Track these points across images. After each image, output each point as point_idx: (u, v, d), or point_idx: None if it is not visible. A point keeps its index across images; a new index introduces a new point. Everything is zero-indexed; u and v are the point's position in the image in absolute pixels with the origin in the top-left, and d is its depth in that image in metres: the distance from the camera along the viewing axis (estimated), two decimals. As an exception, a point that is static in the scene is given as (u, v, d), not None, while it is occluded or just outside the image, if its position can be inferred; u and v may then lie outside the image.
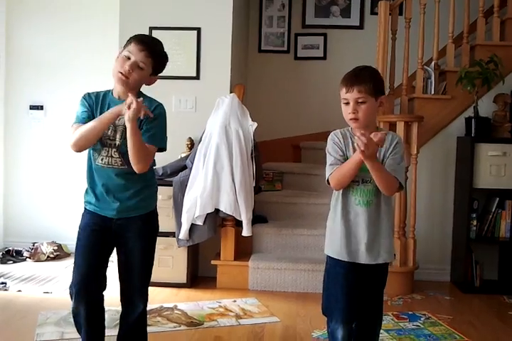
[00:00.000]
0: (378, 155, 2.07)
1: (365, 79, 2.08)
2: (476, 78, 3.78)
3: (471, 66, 3.88)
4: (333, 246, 2.17)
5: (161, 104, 2.26)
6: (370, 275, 2.16)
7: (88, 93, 2.25)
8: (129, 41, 2.18)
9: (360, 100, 2.05)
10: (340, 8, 5.21)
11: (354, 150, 2.10)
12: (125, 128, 2.13)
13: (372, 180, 2.08)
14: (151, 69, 2.19)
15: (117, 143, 2.18)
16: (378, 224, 2.13)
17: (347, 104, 2.08)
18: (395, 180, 2.07)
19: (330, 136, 2.19)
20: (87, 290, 2.23)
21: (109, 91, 2.25)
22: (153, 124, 2.19)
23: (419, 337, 2.94)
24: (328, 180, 2.13)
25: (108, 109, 2.18)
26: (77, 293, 2.23)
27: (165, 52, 2.26)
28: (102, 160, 2.20)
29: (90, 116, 2.19)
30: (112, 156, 2.19)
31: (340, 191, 2.15)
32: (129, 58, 2.14)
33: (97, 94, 2.24)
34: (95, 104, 2.21)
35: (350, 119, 2.08)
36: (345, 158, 2.12)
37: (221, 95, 3.89)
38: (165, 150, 2.26)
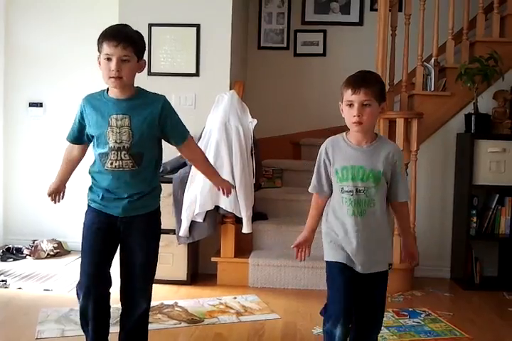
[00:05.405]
0: (380, 167, 2.09)
1: (372, 82, 2.08)
2: (476, 75, 3.78)
3: (471, 62, 3.88)
4: (329, 250, 2.18)
5: (163, 97, 2.26)
6: (366, 284, 2.15)
7: (83, 99, 2.24)
8: (100, 43, 2.14)
9: (366, 103, 2.04)
10: (339, 4, 5.20)
11: (341, 159, 2.12)
12: (130, 129, 2.15)
13: (365, 189, 2.09)
14: (135, 55, 2.16)
15: (126, 145, 2.17)
16: (373, 234, 2.12)
17: (351, 106, 2.06)
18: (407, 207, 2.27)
19: (321, 149, 2.19)
20: (95, 289, 2.24)
21: (103, 91, 2.24)
22: (171, 123, 2.23)
23: (420, 334, 2.94)
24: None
25: (108, 112, 2.16)
26: (86, 292, 2.24)
27: (137, 31, 2.21)
28: (111, 164, 2.18)
29: (81, 135, 2.26)
30: (122, 159, 2.17)
31: (333, 201, 2.16)
32: (109, 59, 2.10)
33: (93, 96, 2.24)
34: (93, 106, 2.20)
35: (354, 123, 2.06)
36: (329, 171, 2.15)
37: (221, 92, 3.89)
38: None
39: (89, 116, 2.20)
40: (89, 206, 2.29)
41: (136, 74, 2.20)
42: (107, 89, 2.22)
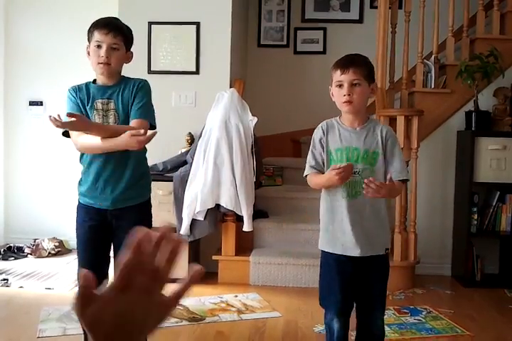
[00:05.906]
0: (375, 147, 2.08)
1: (360, 62, 2.11)
2: (476, 72, 3.78)
3: (471, 60, 3.87)
4: (324, 239, 2.18)
5: (145, 80, 2.29)
6: (366, 268, 2.14)
7: (71, 87, 2.28)
8: (90, 32, 2.20)
9: (355, 82, 2.05)
10: (339, 2, 5.19)
11: (335, 140, 2.11)
12: (116, 112, 2.19)
13: (360, 171, 2.08)
14: (124, 46, 2.23)
15: None
16: (369, 216, 2.11)
17: (340, 86, 2.07)
18: (400, 185, 2.09)
19: (317, 129, 2.18)
20: None
21: (89, 82, 2.29)
22: (139, 98, 2.21)
23: (421, 331, 2.94)
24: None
25: (92, 98, 2.22)
26: None
27: (126, 25, 2.29)
28: None
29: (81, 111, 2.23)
30: None
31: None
32: (99, 46, 2.17)
33: (79, 86, 2.28)
34: (81, 92, 2.25)
35: (344, 102, 2.06)
36: (324, 152, 2.12)
37: (221, 90, 3.88)
38: (155, 127, 2.26)
39: (77, 102, 2.25)
40: (79, 202, 2.30)
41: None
42: (94, 80, 2.28)
